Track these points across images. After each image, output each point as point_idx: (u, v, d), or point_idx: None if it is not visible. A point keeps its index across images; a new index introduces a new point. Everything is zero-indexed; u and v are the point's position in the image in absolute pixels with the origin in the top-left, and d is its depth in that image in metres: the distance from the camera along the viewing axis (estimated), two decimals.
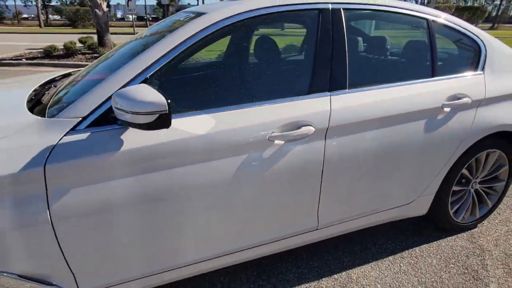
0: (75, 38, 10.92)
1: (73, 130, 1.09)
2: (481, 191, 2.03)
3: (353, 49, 1.57)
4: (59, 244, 1.11)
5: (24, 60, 8.58)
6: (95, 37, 9.96)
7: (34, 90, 1.57)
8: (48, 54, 9.00)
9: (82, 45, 9.83)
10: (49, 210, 1.05)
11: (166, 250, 1.28)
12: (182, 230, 1.27)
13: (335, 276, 1.69)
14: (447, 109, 1.65)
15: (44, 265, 1.12)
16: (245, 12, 1.34)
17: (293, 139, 1.34)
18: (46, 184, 1.04)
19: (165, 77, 1.23)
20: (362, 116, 1.45)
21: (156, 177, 1.16)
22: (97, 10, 8.71)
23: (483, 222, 2.14)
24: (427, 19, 1.74)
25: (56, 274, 1.16)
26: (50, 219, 1.06)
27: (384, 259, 1.81)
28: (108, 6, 9.10)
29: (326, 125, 1.39)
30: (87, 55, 9.06)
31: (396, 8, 1.67)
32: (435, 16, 1.76)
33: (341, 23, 1.49)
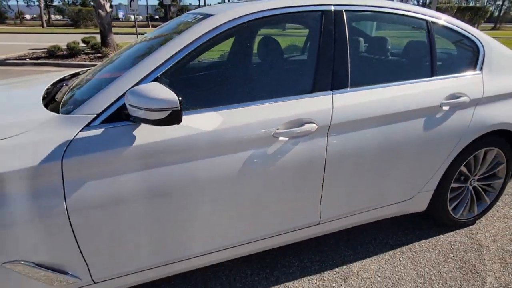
0: (77, 38, 10.99)
1: (88, 126, 1.15)
2: (479, 188, 2.07)
3: (354, 49, 1.63)
4: (74, 235, 1.16)
5: (28, 60, 8.66)
6: (97, 37, 10.04)
7: (47, 89, 1.62)
8: (52, 54, 9.08)
9: (85, 45, 9.91)
10: (65, 202, 1.11)
11: (174, 241, 1.34)
12: (190, 222, 1.32)
13: (337, 269, 1.74)
14: (445, 108, 1.70)
15: (60, 255, 1.18)
16: (251, 14, 1.39)
17: (296, 136, 1.39)
18: (63, 177, 1.10)
19: (174, 76, 1.29)
20: (363, 114, 1.51)
21: (166, 172, 1.22)
22: (100, 11, 8.78)
23: (481, 218, 2.19)
24: (426, 20, 1.79)
25: (71, 263, 1.21)
26: (67, 210, 1.12)
27: (384, 253, 1.86)
28: (111, 6, 9.17)
29: (329, 123, 1.44)
30: (90, 55, 9.13)
31: (396, 10, 1.72)
32: (434, 18, 1.82)
33: (343, 24, 1.54)
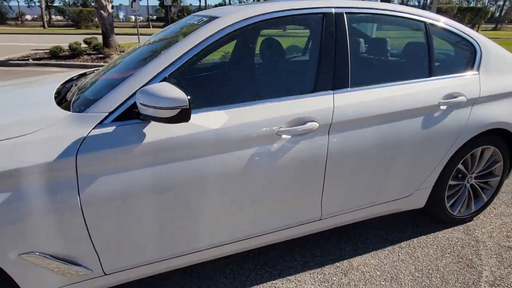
0: (79, 38, 11.06)
1: (100, 124, 1.20)
2: (476, 185, 2.13)
3: (355, 50, 1.68)
4: (87, 228, 1.22)
5: (31, 60, 8.73)
6: (99, 37, 10.10)
7: (57, 88, 1.68)
8: (54, 54, 9.14)
9: (87, 46, 9.97)
10: (79, 196, 1.16)
11: (182, 235, 1.39)
12: (197, 217, 1.38)
13: (337, 264, 1.79)
14: (443, 107, 1.76)
15: (73, 247, 1.23)
16: (255, 16, 1.45)
17: (299, 134, 1.45)
18: (77, 173, 1.15)
19: (182, 76, 1.34)
20: (363, 113, 1.56)
21: (174, 168, 1.27)
22: (102, 12, 8.84)
23: (478, 215, 2.24)
24: (424, 22, 1.84)
25: (83, 255, 1.27)
26: (80, 204, 1.17)
27: (384, 249, 1.91)
28: (112, 7, 9.24)
29: (330, 121, 1.49)
30: (92, 55, 9.19)
31: (395, 12, 1.77)
32: (432, 19, 1.87)
33: (343, 26, 1.60)
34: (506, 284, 1.66)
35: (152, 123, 1.24)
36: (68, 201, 1.16)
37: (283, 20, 1.54)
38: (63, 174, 1.14)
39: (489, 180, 2.13)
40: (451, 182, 2.00)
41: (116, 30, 9.56)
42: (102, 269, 1.33)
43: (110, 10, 9.03)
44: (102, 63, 8.32)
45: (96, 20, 29.11)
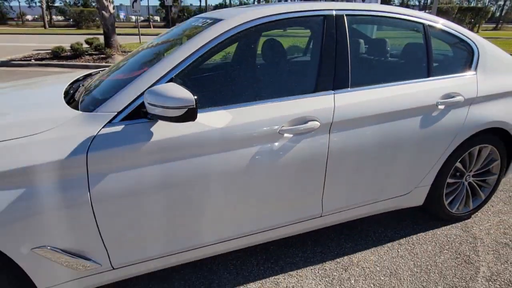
0: (80, 39, 11.12)
1: (110, 123, 1.25)
2: (474, 184, 2.17)
3: (355, 51, 1.73)
4: (96, 223, 1.26)
5: (33, 60, 8.78)
6: (101, 38, 10.15)
7: (65, 88, 1.73)
8: (56, 55, 9.20)
9: (89, 46, 10.02)
10: (89, 192, 1.21)
11: (187, 231, 1.44)
12: (202, 213, 1.42)
13: (338, 259, 1.84)
14: (441, 107, 1.80)
15: (83, 242, 1.28)
16: (258, 18, 1.49)
17: (300, 133, 1.49)
18: (87, 170, 1.20)
19: (187, 77, 1.39)
20: (363, 112, 1.60)
21: (180, 165, 1.32)
22: (104, 12, 8.89)
23: (476, 213, 2.28)
24: (423, 24, 1.89)
25: (92, 250, 1.31)
26: (90, 200, 1.22)
27: (383, 245, 1.96)
28: (113, 7, 9.29)
29: (330, 121, 1.54)
30: (94, 56, 9.25)
31: (394, 14, 1.82)
32: (431, 21, 1.91)
33: (344, 28, 1.64)
34: (502, 279, 1.70)
35: (159, 122, 1.29)
36: (78, 198, 1.20)
37: (285, 22, 1.58)
38: (74, 172, 1.19)
39: (487, 178, 2.18)
40: (449, 180, 2.04)
41: (117, 30, 9.60)
42: (111, 264, 1.37)
43: (112, 11, 9.08)
44: (104, 63, 8.37)
45: (97, 20, 29.20)
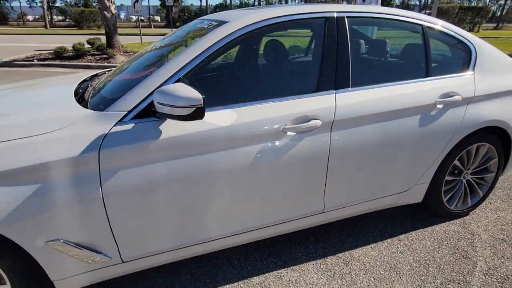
0: (81, 39, 11.17)
1: (120, 121, 1.30)
2: (472, 181, 2.22)
3: (355, 52, 1.78)
4: (108, 218, 1.32)
5: (36, 61, 8.84)
6: (102, 38, 10.21)
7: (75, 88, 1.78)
8: (59, 55, 9.26)
9: (90, 46, 10.08)
10: (101, 188, 1.26)
11: (194, 225, 1.49)
12: (208, 208, 1.47)
13: (339, 254, 1.89)
14: (439, 106, 1.85)
15: (94, 236, 1.33)
16: (262, 20, 1.54)
17: (303, 131, 1.54)
18: (99, 166, 1.25)
19: (194, 77, 1.44)
20: (363, 111, 1.65)
21: (188, 162, 1.37)
22: (105, 12, 8.95)
23: (474, 210, 2.33)
24: (422, 25, 1.94)
25: (103, 243, 1.36)
26: (102, 195, 1.27)
27: (383, 241, 2.01)
28: (115, 8, 9.34)
29: (332, 119, 1.59)
30: (96, 56, 9.30)
31: (394, 16, 1.87)
32: (429, 23, 1.96)
33: (345, 29, 1.69)
34: (499, 274, 1.75)
35: (168, 121, 1.34)
36: (91, 193, 1.26)
37: (288, 24, 1.64)
38: (87, 168, 1.24)
39: (485, 176, 2.23)
40: (447, 178, 2.09)
41: (118, 31, 9.66)
42: (120, 257, 1.42)
43: (114, 11, 9.13)
44: (106, 64, 8.43)
45: (98, 20, 29.28)
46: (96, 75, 2.21)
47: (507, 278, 1.72)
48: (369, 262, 1.83)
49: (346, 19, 1.71)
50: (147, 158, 1.31)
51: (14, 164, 1.15)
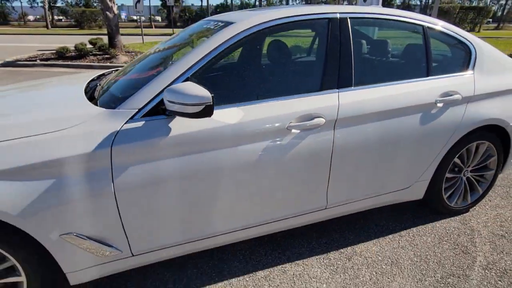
0: (83, 39, 11.22)
1: (131, 119, 1.35)
2: (472, 178, 2.26)
3: (358, 52, 1.82)
4: (119, 212, 1.36)
5: (39, 61, 8.90)
6: (104, 38, 10.26)
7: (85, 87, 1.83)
8: (61, 55, 9.32)
9: (92, 46, 10.13)
10: (113, 183, 1.31)
11: (202, 220, 1.53)
12: (216, 204, 1.52)
13: (342, 250, 1.93)
14: (440, 104, 1.89)
15: (106, 229, 1.38)
16: (268, 21, 1.59)
17: (307, 129, 1.59)
18: (111, 162, 1.30)
19: (202, 76, 1.48)
20: (365, 110, 1.70)
21: (196, 158, 1.41)
22: (108, 13, 9.00)
23: (474, 207, 2.37)
24: (423, 26, 1.98)
25: (114, 237, 1.41)
26: (114, 190, 1.32)
27: (385, 237, 2.05)
28: (117, 8, 9.39)
29: (335, 117, 1.63)
30: (98, 56, 9.36)
31: (395, 16, 1.91)
32: (430, 23, 2.01)
33: (347, 30, 1.74)
34: (498, 268, 1.80)
35: (177, 118, 1.39)
36: (103, 188, 1.30)
37: (292, 25, 1.68)
38: (100, 164, 1.29)
39: (484, 174, 2.27)
40: (448, 175, 2.13)
41: (119, 31, 9.71)
42: (131, 250, 1.47)
43: (116, 11, 9.19)
44: (108, 64, 8.48)
45: (99, 20, 29.35)
46: (103, 75, 2.26)
47: (505, 273, 1.77)
48: (371, 257, 1.87)
49: (348, 20, 1.75)
50: (157, 155, 1.36)
51: (30, 159, 1.20)
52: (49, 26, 30.93)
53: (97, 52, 9.64)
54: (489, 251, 1.93)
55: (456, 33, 2.08)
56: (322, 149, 1.64)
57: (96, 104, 1.50)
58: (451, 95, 1.92)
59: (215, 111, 1.45)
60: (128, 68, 1.91)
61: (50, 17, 36.20)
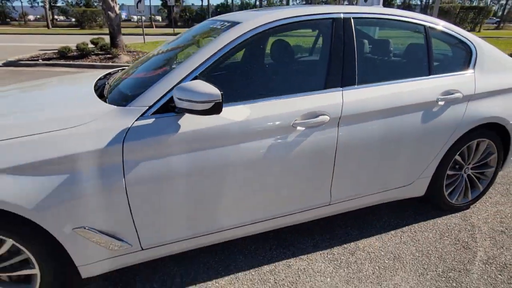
0: (84, 39, 11.26)
1: (142, 116, 1.39)
2: (473, 176, 2.30)
3: (361, 51, 1.86)
4: (129, 207, 1.40)
5: (41, 60, 8.94)
6: (106, 38, 10.30)
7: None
8: (63, 55, 9.35)
9: (94, 46, 10.17)
10: (124, 178, 1.35)
11: (209, 215, 1.57)
12: (222, 199, 1.56)
13: (345, 245, 1.97)
14: (441, 103, 1.93)
15: (117, 224, 1.42)
16: (273, 21, 1.63)
17: (312, 126, 1.63)
18: (123, 158, 1.34)
19: (210, 75, 1.52)
20: (369, 107, 1.74)
21: (204, 155, 1.45)
22: (110, 13, 9.04)
23: (475, 204, 2.41)
24: (424, 26, 2.02)
25: (124, 231, 1.45)
26: (125, 185, 1.36)
27: (387, 233, 2.09)
28: (119, 8, 9.43)
29: (339, 115, 1.67)
30: (100, 56, 9.40)
31: (397, 16, 1.95)
32: (431, 23, 2.04)
33: (351, 30, 1.77)
34: (498, 263, 1.83)
35: (186, 115, 1.43)
36: (115, 183, 1.34)
37: (296, 24, 1.72)
38: (111, 160, 1.32)
39: (485, 171, 2.31)
40: (449, 172, 2.17)
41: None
42: (140, 244, 1.51)
43: (118, 11, 9.22)
44: (110, 63, 8.52)
45: (100, 20, 29.38)
46: (109, 74, 2.30)
47: (505, 267, 1.80)
48: (373, 252, 1.91)
49: (352, 19, 1.79)
50: (167, 151, 1.40)
51: (47, 155, 1.24)
52: (50, 26, 30.97)
53: (99, 52, 9.68)
54: (489, 246, 1.97)
55: (457, 33, 2.12)
56: (326, 146, 1.68)
57: (105, 102, 1.54)
58: (452, 94, 1.96)
59: (223, 109, 1.49)
60: (136, 67, 1.94)
61: (51, 16, 36.24)
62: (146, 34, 15.38)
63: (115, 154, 1.32)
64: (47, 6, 32.24)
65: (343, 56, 1.74)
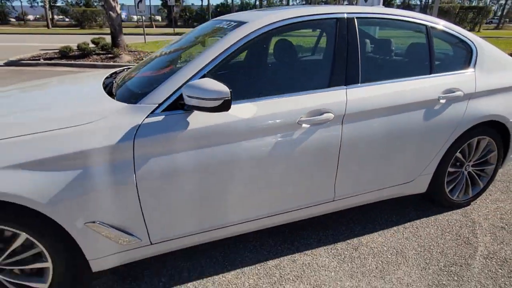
0: (85, 38, 11.28)
1: (152, 113, 1.42)
2: (473, 173, 2.34)
3: (364, 50, 1.90)
4: (140, 202, 1.44)
5: (42, 60, 8.96)
6: (106, 37, 10.33)
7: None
8: (64, 54, 9.38)
9: (95, 46, 10.20)
10: (135, 174, 1.38)
11: (217, 210, 1.61)
12: (229, 195, 1.59)
13: (348, 241, 2.01)
14: (442, 101, 1.97)
15: (127, 218, 1.45)
16: (279, 21, 1.66)
17: (317, 123, 1.66)
18: (133, 154, 1.37)
19: (218, 73, 1.56)
20: (372, 105, 1.78)
21: (212, 151, 1.49)
22: (111, 12, 9.07)
23: (475, 201, 2.45)
24: (426, 25, 2.06)
25: (134, 226, 1.49)
26: (135, 181, 1.39)
27: (390, 228, 2.13)
28: (120, 8, 9.46)
29: (343, 113, 1.71)
30: (101, 55, 9.43)
31: (399, 16, 1.99)
32: (433, 23, 2.08)
33: (354, 29, 1.81)
34: (498, 257, 1.87)
35: (195, 113, 1.46)
36: (125, 179, 1.38)
37: (300, 24, 1.76)
38: (122, 156, 1.36)
39: (485, 168, 2.35)
40: (450, 169, 2.21)
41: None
42: (149, 239, 1.55)
43: (119, 11, 9.25)
44: (111, 63, 8.55)
45: (100, 20, 29.40)
46: (115, 73, 2.33)
47: (505, 262, 1.84)
48: (376, 247, 1.95)
49: (355, 19, 1.83)
50: (176, 147, 1.43)
51: (58, 151, 1.27)
52: (50, 26, 30.97)
53: (100, 52, 9.71)
54: (490, 241, 2.01)
55: (458, 32, 2.15)
56: (331, 143, 1.71)
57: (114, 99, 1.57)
58: (453, 92, 1.99)
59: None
60: (143, 66, 1.98)
61: (51, 16, 36.23)
62: (147, 34, 15.41)
63: (126, 150, 1.36)
64: (47, 6, 32.23)
65: (347, 55, 1.78)
